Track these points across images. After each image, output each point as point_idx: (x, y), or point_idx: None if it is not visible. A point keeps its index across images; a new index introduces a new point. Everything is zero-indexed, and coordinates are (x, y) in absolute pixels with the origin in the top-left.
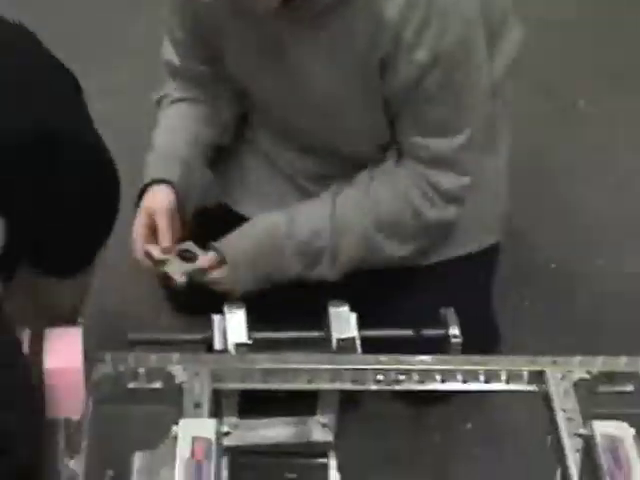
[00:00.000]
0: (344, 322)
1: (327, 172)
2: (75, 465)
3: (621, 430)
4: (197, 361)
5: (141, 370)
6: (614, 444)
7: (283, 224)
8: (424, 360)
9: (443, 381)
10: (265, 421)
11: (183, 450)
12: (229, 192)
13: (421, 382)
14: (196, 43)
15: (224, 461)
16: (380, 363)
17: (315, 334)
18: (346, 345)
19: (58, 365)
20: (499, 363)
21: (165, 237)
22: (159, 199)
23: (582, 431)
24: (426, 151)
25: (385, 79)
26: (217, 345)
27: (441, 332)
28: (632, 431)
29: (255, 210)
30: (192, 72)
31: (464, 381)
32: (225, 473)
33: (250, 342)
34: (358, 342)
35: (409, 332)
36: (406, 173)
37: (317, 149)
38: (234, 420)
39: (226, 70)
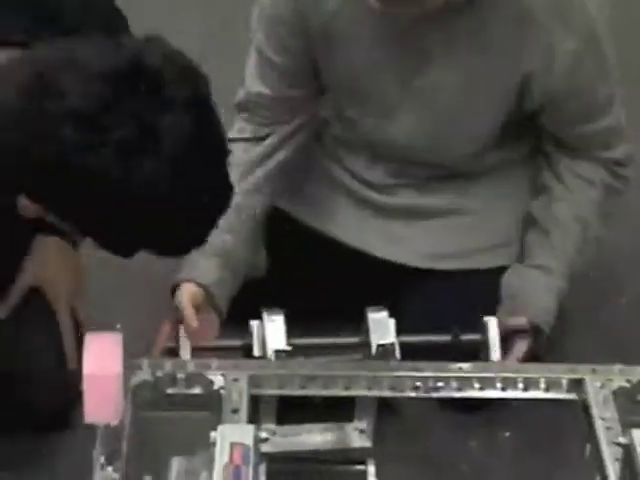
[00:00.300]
0: (383, 328)
1: (398, 182)
2: (114, 471)
3: None
4: (235, 367)
5: (180, 376)
6: None
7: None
8: (462, 367)
9: (481, 389)
10: (303, 427)
11: (222, 455)
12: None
13: (459, 389)
14: (297, 65)
15: (262, 467)
16: (418, 370)
17: (354, 340)
18: (385, 351)
19: (97, 371)
20: (538, 371)
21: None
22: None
23: (621, 440)
24: (598, 134)
25: (539, 84)
26: (256, 352)
27: (478, 337)
28: None
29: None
30: (283, 100)
31: (503, 389)
32: (263, 479)
33: (289, 348)
34: (397, 348)
35: (447, 337)
36: (588, 167)
37: (398, 158)
38: (272, 427)
39: (331, 88)
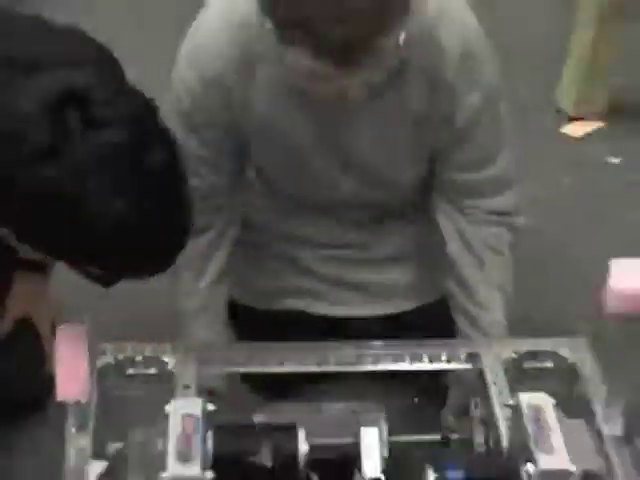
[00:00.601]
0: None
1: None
2: (84, 441)
3: (543, 400)
4: (186, 349)
5: (138, 358)
6: (537, 412)
7: None
8: (377, 345)
9: (394, 361)
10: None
11: (175, 426)
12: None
13: (374, 363)
14: (224, 151)
15: (210, 435)
16: (339, 349)
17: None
18: None
19: (68, 357)
20: (440, 347)
21: None
22: None
23: (510, 402)
24: (487, 182)
25: (442, 131)
26: None
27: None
28: (552, 401)
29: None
30: (215, 188)
31: (411, 362)
32: (210, 443)
33: None
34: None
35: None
36: (492, 232)
37: (341, 209)
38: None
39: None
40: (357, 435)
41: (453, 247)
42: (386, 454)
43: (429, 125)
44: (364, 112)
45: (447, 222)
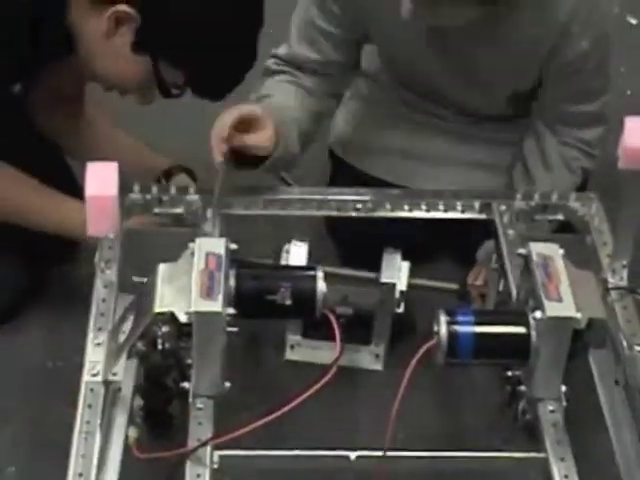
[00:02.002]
0: (393, 268)
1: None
2: (110, 274)
3: (552, 250)
4: (210, 191)
5: (165, 198)
6: (547, 262)
7: None
8: (394, 193)
9: (410, 210)
10: (324, 343)
11: (199, 262)
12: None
13: (392, 210)
14: (345, 34)
15: (232, 272)
16: (359, 194)
17: (371, 275)
18: (389, 289)
19: (97, 193)
20: (454, 197)
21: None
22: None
23: (522, 251)
24: (579, 115)
25: (548, 64)
26: None
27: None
28: (561, 251)
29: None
30: (328, 65)
31: (427, 210)
32: (232, 281)
33: None
34: (398, 290)
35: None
36: (571, 153)
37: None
38: (298, 338)
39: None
40: None
41: (531, 161)
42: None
43: (537, 53)
44: (482, 31)
45: (532, 137)
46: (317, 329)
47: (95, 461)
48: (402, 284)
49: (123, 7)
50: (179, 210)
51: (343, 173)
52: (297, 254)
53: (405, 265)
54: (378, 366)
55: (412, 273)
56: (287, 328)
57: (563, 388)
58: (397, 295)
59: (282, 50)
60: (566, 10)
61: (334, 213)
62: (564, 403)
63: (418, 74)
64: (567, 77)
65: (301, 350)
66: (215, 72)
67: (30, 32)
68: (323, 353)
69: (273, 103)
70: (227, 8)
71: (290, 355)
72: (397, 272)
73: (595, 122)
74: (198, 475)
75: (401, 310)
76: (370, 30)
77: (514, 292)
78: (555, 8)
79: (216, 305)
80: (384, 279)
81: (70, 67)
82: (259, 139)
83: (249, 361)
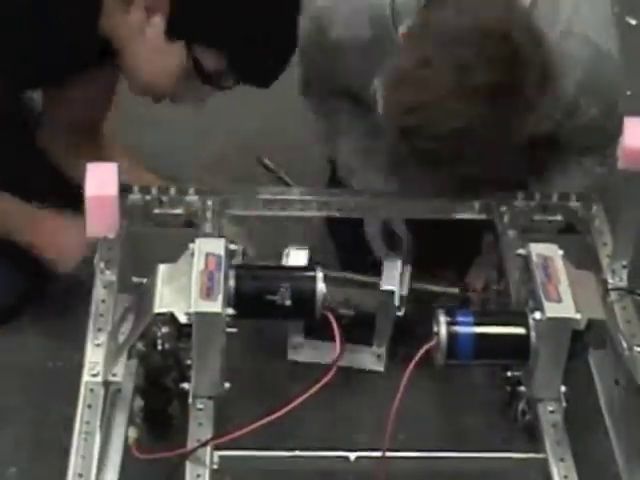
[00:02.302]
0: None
1: None
2: (110, 275)
3: (552, 251)
4: (210, 192)
5: (165, 199)
6: (546, 262)
7: None
8: (394, 193)
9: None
10: (326, 344)
11: (199, 263)
12: None
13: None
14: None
15: (232, 272)
16: (358, 195)
17: (367, 279)
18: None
19: (98, 193)
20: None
21: None
22: None
23: (521, 251)
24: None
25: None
26: None
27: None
28: (561, 252)
29: None
30: None
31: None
32: (232, 281)
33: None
34: (400, 294)
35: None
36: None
37: None
38: (300, 339)
39: None
40: None
41: None
42: (405, 292)
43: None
44: None
45: None
46: (318, 330)
47: (95, 461)
48: (404, 289)
49: None
50: (179, 210)
51: None
52: (297, 258)
53: (407, 269)
54: (380, 367)
55: (413, 276)
56: (289, 329)
57: (563, 388)
58: (397, 301)
59: None
60: (573, 85)
61: (334, 214)
62: (564, 403)
63: None
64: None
65: (303, 351)
66: (255, 53)
67: (56, 37)
68: (325, 354)
69: None
70: None
71: (293, 356)
72: (397, 278)
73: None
74: (198, 475)
75: (401, 313)
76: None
77: (514, 292)
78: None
79: (216, 306)
80: (385, 286)
81: (96, 85)
82: None
83: (249, 361)
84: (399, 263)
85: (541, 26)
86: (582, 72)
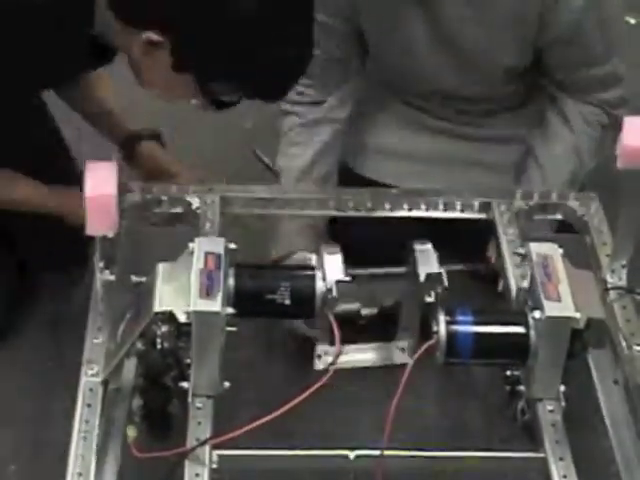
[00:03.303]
0: (428, 258)
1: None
2: (110, 274)
3: (552, 250)
4: (210, 191)
5: (164, 198)
6: (546, 261)
7: None
8: (394, 193)
9: (410, 209)
10: (352, 347)
11: (198, 262)
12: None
13: (391, 210)
14: (346, 26)
15: (231, 271)
16: (358, 194)
17: (401, 270)
18: (432, 278)
19: (96, 192)
20: (454, 196)
21: None
22: None
23: (521, 250)
24: (595, 79)
25: (543, 30)
26: (320, 285)
27: None
28: (560, 251)
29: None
30: (334, 62)
31: (427, 209)
32: (231, 280)
33: (349, 279)
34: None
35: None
36: (589, 109)
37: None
38: (326, 347)
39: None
40: None
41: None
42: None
43: (527, 21)
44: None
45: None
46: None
47: (94, 460)
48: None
49: (150, 34)
50: (179, 210)
51: (342, 173)
52: (333, 262)
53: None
54: (407, 359)
55: None
56: (315, 339)
57: (562, 388)
58: (446, 281)
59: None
60: None
61: (333, 213)
62: (563, 403)
63: (408, 62)
64: (565, 49)
65: (329, 359)
66: (267, 79)
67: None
68: (351, 357)
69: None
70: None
71: (319, 365)
72: (435, 262)
73: (610, 84)
74: (197, 474)
75: (432, 299)
76: (360, 15)
77: (513, 290)
78: None
79: (215, 305)
80: (426, 270)
81: None
82: None
83: (248, 361)
84: (430, 247)
85: None
86: None
